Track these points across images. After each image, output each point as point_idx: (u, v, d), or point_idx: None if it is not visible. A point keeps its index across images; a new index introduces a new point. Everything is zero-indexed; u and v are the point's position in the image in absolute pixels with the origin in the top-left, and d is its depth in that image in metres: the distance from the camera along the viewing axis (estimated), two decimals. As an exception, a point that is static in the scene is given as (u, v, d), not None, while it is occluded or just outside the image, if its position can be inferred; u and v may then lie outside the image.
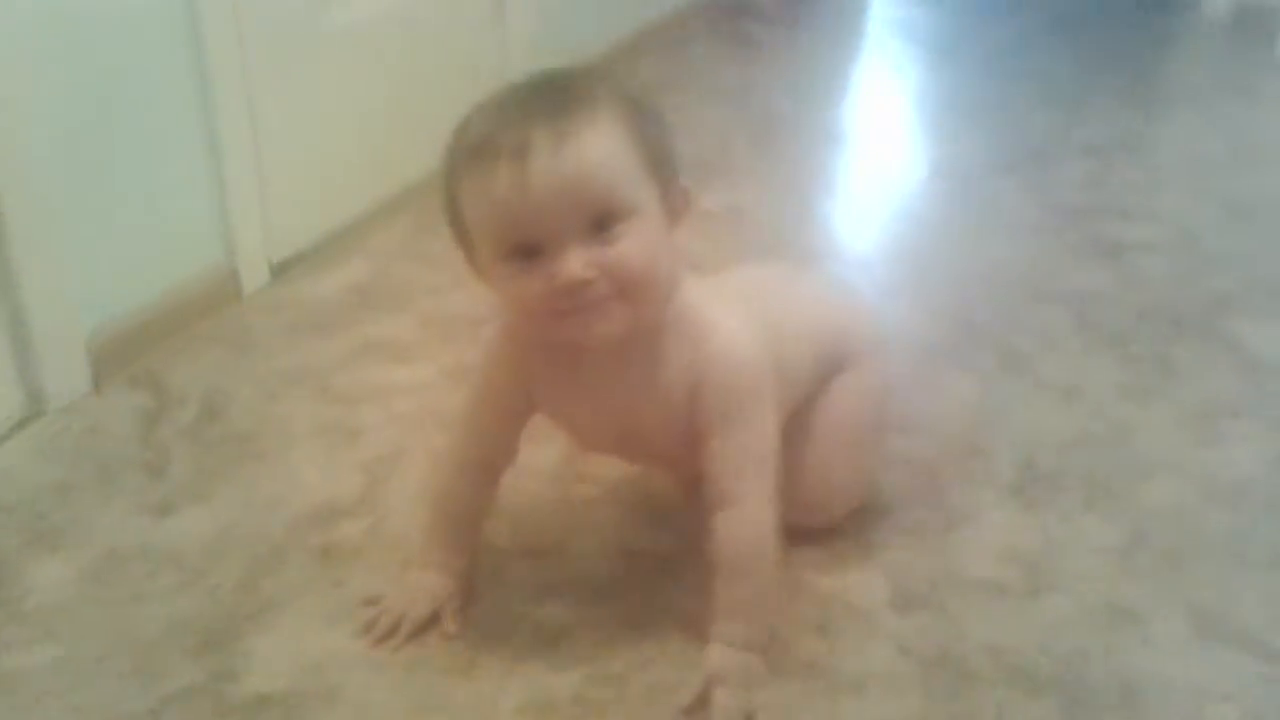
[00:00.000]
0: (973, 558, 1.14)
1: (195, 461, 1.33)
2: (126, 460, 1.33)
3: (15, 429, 1.38)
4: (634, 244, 0.87)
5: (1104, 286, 1.77)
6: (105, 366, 1.50)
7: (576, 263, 0.85)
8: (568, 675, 0.98)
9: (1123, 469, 1.29)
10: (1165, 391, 1.46)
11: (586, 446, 1.13)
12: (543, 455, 1.26)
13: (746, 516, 0.95)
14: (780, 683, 0.98)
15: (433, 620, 1.03)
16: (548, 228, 0.85)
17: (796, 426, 1.07)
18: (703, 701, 0.93)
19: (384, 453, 1.33)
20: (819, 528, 1.13)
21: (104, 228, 1.51)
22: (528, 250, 0.86)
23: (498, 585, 1.10)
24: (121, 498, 1.26)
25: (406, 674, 0.98)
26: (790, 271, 1.32)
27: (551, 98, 0.87)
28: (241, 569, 1.13)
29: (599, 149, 0.85)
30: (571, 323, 0.88)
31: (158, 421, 1.41)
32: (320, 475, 1.28)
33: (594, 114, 0.86)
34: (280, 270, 1.81)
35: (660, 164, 0.90)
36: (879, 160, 2.43)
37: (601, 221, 0.86)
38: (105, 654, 1.02)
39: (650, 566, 1.13)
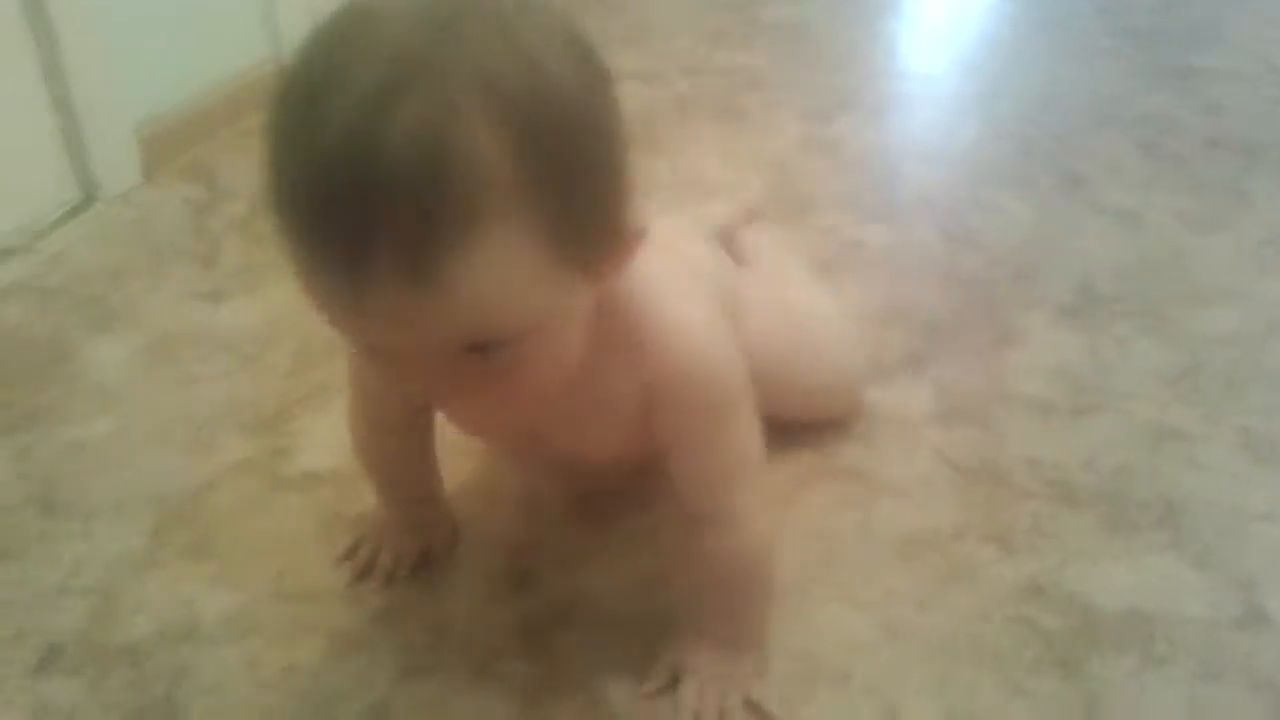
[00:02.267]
0: (1021, 375, 1.13)
1: (245, 253, 1.33)
2: (178, 249, 1.34)
3: (69, 215, 1.39)
4: (526, 367, 0.60)
5: (1174, 112, 1.70)
6: (155, 158, 1.49)
7: (444, 389, 0.61)
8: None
9: (1181, 296, 1.26)
10: (1231, 222, 1.41)
11: (477, 437, 0.93)
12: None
13: (741, 535, 0.77)
14: (820, 484, 0.99)
15: (426, 555, 0.91)
16: (396, 351, 0.58)
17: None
18: (669, 690, 0.80)
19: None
20: (839, 418, 1.06)
21: (151, 19, 1.49)
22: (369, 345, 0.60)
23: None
24: (173, 284, 1.27)
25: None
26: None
27: (410, 157, 0.49)
28: (291, 356, 1.15)
29: (477, 276, 0.52)
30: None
31: (208, 213, 1.41)
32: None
33: (477, 216, 0.51)
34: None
35: (592, 241, 0.58)
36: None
37: (476, 346, 0.57)
38: (162, 429, 1.05)
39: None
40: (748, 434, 0.75)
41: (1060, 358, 1.15)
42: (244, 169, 1.51)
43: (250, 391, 1.10)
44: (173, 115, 1.53)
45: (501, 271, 0.53)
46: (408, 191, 0.49)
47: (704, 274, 0.89)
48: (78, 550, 0.92)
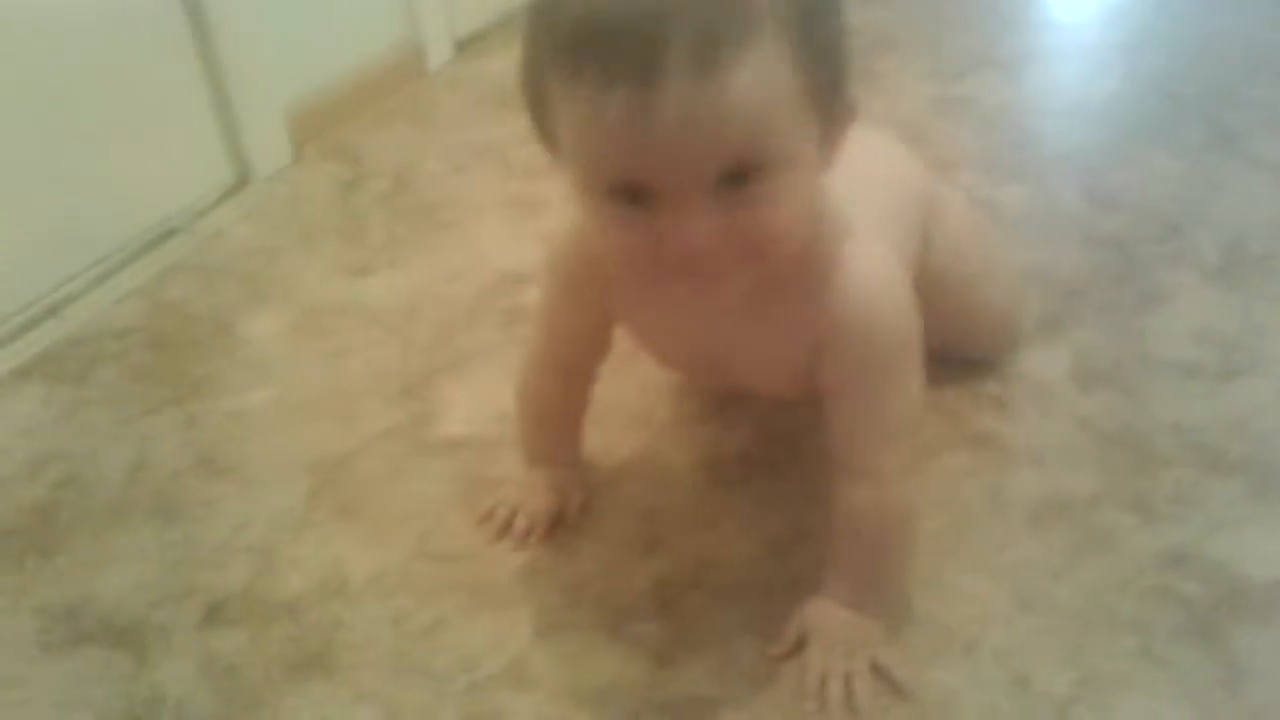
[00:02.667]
0: (1166, 338, 1.09)
1: (389, 228, 1.39)
2: (326, 226, 1.40)
3: (225, 196, 1.47)
4: (777, 207, 0.64)
5: (1339, 61, 1.60)
6: (303, 139, 1.56)
7: (699, 228, 0.63)
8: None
9: (1343, 253, 1.20)
10: (1402, 173, 1.33)
11: (669, 367, 0.98)
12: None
13: (886, 498, 0.78)
14: (953, 450, 0.98)
15: (560, 518, 0.94)
16: (668, 173, 0.61)
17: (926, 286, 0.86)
18: (796, 652, 0.81)
19: (564, 223, 1.35)
20: (993, 355, 1.08)
21: (298, 4, 1.55)
22: (635, 192, 0.63)
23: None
24: (322, 260, 1.33)
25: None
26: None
27: None
28: (434, 327, 1.19)
29: (754, 81, 0.59)
30: (678, 283, 0.68)
31: (353, 190, 1.47)
32: (504, 244, 1.32)
33: (753, 27, 0.59)
34: (464, 46, 1.83)
35: (828, 88, 0.65)
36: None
37: (739, 171, 0.62)
38: (315, 398, 1.11)
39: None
40: (910, 392, 0.77)
41: (1208, 319, 1.11)
42: (387, 147, 1.57)
43: (395, 362, 1.15)
44: (319, 97, 1.60)
45: (769, 82, 0.60)
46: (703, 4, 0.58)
47: (900, 180, 0.93)
48: (239, 512, 0.98)
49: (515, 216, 1.39)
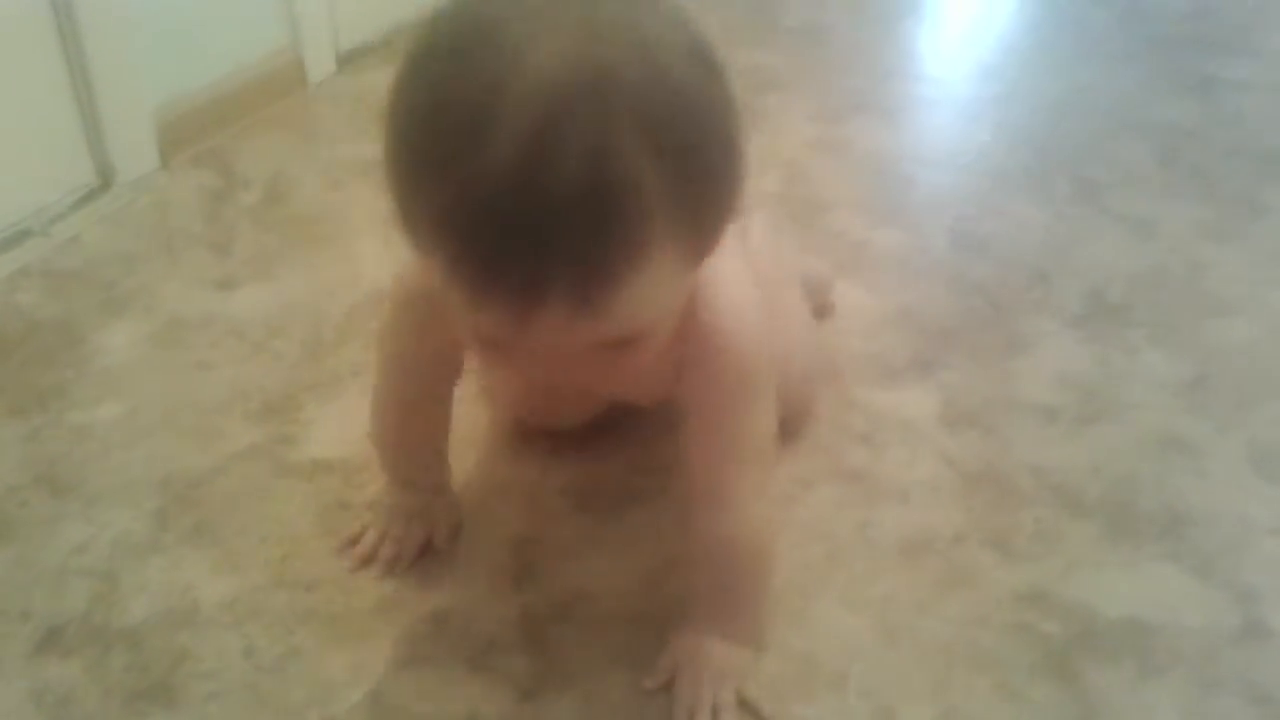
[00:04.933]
0: (1029, 382, 1.12)
1: (258, 242, 1.34)
2: (192, 236, 1.35)
3: (84, 200, 1.40)
4: (642, 344, 0.63)
5: (1193, 122, 1.68)
6: (172, 144, 1.50)
7: (556, 370, 0.68)
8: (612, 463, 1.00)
9: (1194, 307, 1.25)
10: (1247, 232, 1.40)
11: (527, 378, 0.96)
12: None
13: (742, 519, 0.77)
14: (823, 485, 0.99)
15: (428, 545, 0.91)
16: (539, 350, 0.61)
17: None
18: (669, 686, 0.80)
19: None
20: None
21: (171, 4, 1.49)
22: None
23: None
24: (186, 271, 1.28)
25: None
26: None
27: (579, 197, 0.52)
28: (302, 345, 1.15)
29: (637, 297, 0.56)
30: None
31: (223, 200, 1.42)
32: (379, 262, 1.29)
33: (639, 250, 0.54)
34: (347, 60, 1.79)
35: (713, 239, 0.61)
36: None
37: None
38: (170, 413, 1.05)
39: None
40: (764, 420, 0.77)
41: (1069, 365, 1.15)
42: (261, 158, 1.52)
43: (259, 379, 1.10)
44: (190, 101, 1.54)
45: (655, 286, 0.57)
46: (581, 231, 0.52)
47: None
48: (82, 532, 0.92)
49: (391, 235, 1.35)
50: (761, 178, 1.47)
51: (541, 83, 0.52)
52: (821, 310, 1.18)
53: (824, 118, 1.68)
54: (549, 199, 0.51)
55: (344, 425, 1.03)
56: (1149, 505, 0.98)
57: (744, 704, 0.78)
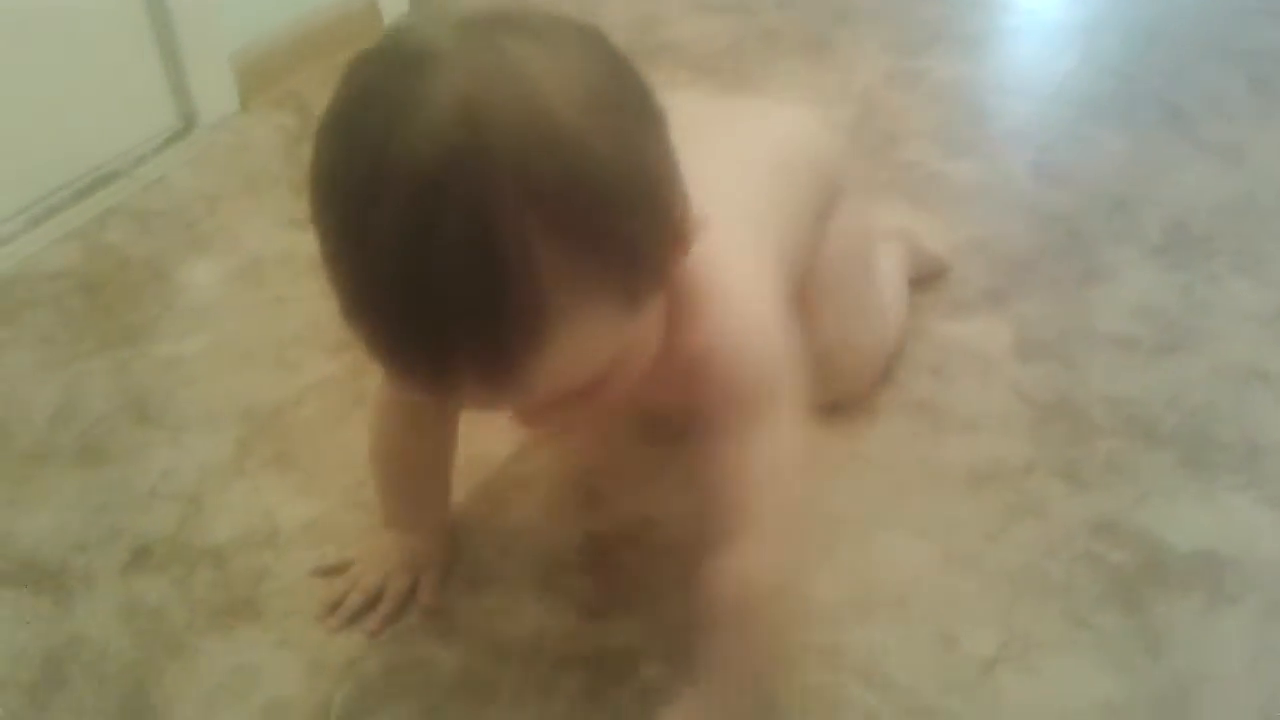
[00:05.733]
0: (1106, 313, 1.10)
1: (335, 180, 1.36)
2: (271, 175, 1.38)
3: (168, 142, 1.44)
4: (609, 382, 0.59)
5: (1288, 48, 1.61)
6: (251, 87, 1.53)
7: (520, 415, 0.62)
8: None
9: (1282, 236, 1.21)
10: (1342, 159, 1.35)
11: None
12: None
13: (755, 560, 0.65)
14: (891, 416, 0.98)
15: (411, 593, 0.83)
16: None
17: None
18: None
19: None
20: (847, 400, 0.97)
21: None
22: None
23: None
24: (266, 210, 1.31)
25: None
26: (742, 108, 0.90)
27: (466, 281, 0.49)
28: (376, 280, 1.18)
29: (550, 364, 0.52)
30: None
31: (301, 141, 1.45)
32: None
33: (543, 324, 0.51)
34: (423, 4, 1.80)
35: (652, 272, 0.57)
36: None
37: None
38: (251, 346, 1.09)
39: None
40: (785, 442, 0.66)
41: (1149, 296, 1.12)
42: (336, 99, 1.54)
43: (335, 313, 1.13)
44: (268, 45, 1.56)
45: (578, 348, 0.53)
46: (470, 310, 0.49)
47: (793, 161, 0.81)
48: (169, 458, 0.96)
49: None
50: (833, 115, 1.45)
51: (418, 158, 0.48)
52: (930, 279, 1.13)
53: (900, 49, 1.64)
54: (433, 280, 0.49)
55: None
56: (1227, 436, 0.95)
57: None
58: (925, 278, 1.13)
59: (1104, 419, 0.97)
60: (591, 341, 0.54)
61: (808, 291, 0.82)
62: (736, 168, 0.75)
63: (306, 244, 1.22)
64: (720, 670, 0.68)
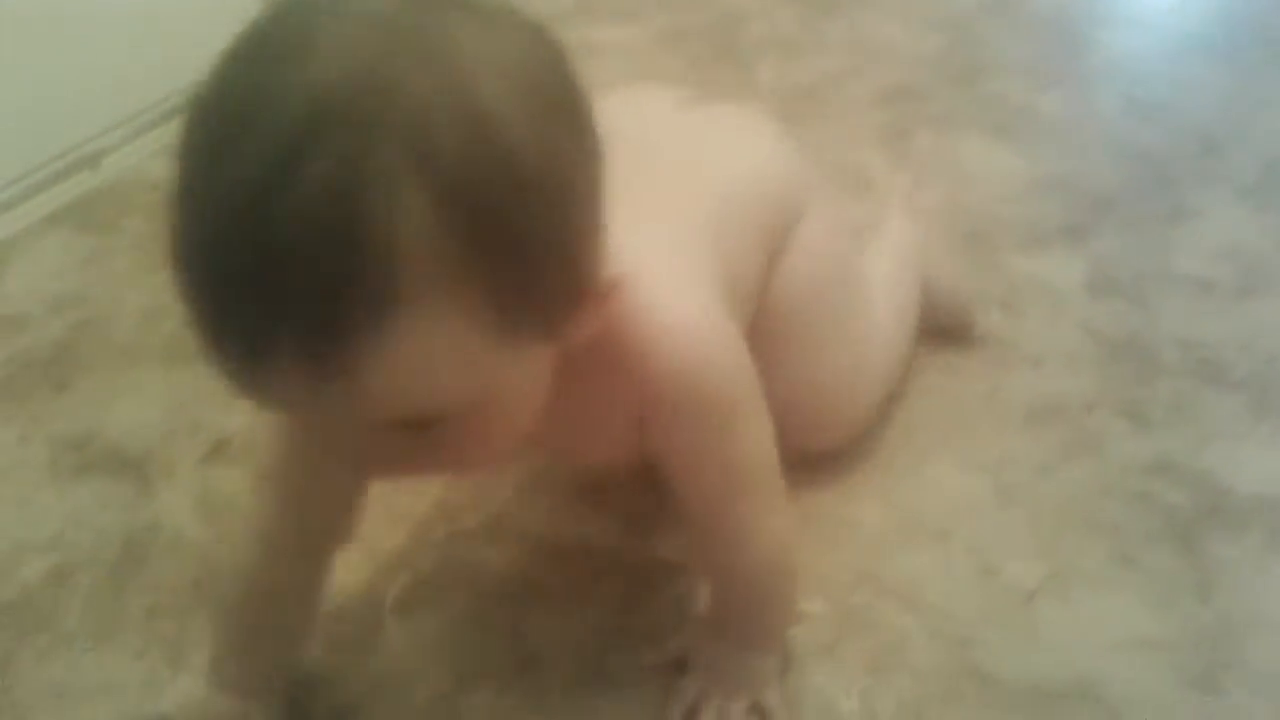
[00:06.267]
0: (1187, 253, 1.07)
1: None
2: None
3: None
4: (470, 434, 0.51)
5: None
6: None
7: (363, 456, 0.54)
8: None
9: (1385, 179, 1.16)
10: None
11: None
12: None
13: (751, 551, 0.67)
14: (954, 346, 0.98)
15: None
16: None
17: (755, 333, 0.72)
18: (671, 669, 0.72)
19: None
20: (827, 452, 0.86)
21: None
22: None
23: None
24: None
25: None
26: (687, 107, 0.82)
27: (314, 227, 0.42)
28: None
29: (397, 368, 0.45)
30: None
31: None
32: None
33: (393, 298, 0.43)
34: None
35: (537, 306, 0.49)
36: None
37: (409, 422, 0.49)
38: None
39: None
40: (753, 439, 0.64)
41: (1233, 237, 1.09)
42: None
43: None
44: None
45: (424, 356, 0.45)
46: (311, 268, 0.42)
47: (742, 177, 0.75)
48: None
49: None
50: (921, 42, 1.42)
51: (312, 88, 0.42)
52: (960, 333, 0.99)
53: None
54: (280, 223, 0.41)
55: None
56: (1301, 382, 0.93)
57: (760, 713, 0.70)
58: (948, 329, 0.98)
59: (1173, 360, 0.96)
60: (442, 356, 0.46)
61: (761, 333, 0.72)
62: (673, 186, 0.69)
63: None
64: (730, 618, 0.70)
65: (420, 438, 0.50)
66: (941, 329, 0.97)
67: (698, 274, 0.65)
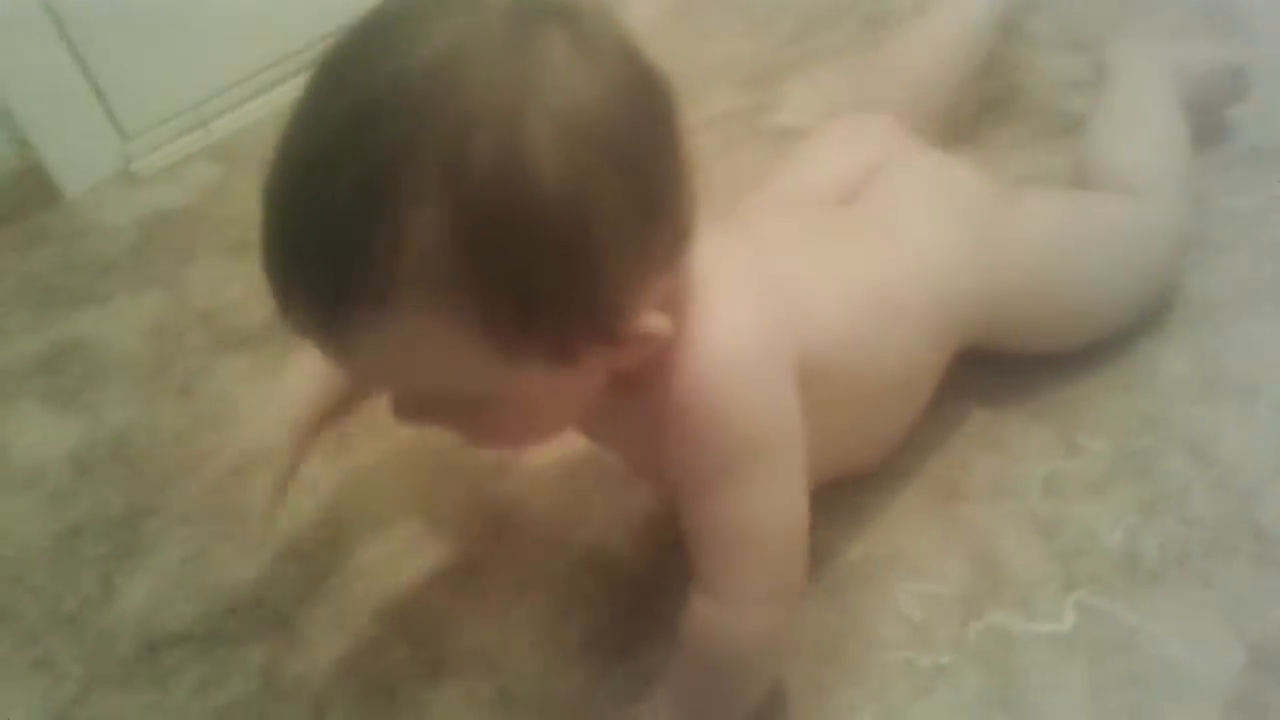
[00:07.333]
0: None
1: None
2: None
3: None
4: (487, 426, 0.56)
5: None
6: None
7: (408, 419, 0.57)
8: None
9: None
10: None
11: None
12: None
13: (732, 620, 0.60)
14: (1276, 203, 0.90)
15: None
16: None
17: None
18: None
19: None
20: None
21: None
22: None
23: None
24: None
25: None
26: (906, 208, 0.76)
27: (344, 205, 0.46)
28: (796, 22, 1.22)
29: (388, 352, 0.50)
30: None
31: None
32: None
33: (377, 295, 0.47)
34: None
35: (549, 335, 0.50)
36: None
37: (421, 401, 0.56)
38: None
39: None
40: (773, 499, 0.59)
41: None
42: None
43: (751, 51, 1.20)
44: None
45: (409, 350, 0.49)
46: (326, 239, 0.47)
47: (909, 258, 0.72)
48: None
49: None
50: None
51: (389, 79, 0.46)
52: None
53: None
54: (320, 195, 0.47)
55: (814, 100, 1.11)
56: None
57: None
58: (1220, 97, 0.94)
59: None
60: (428, 355, 0.50)
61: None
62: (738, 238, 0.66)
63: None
64: (684, 682, 0.64)
65: (447, 409, 0.55)
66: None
67: (760, 302, 0.61)
